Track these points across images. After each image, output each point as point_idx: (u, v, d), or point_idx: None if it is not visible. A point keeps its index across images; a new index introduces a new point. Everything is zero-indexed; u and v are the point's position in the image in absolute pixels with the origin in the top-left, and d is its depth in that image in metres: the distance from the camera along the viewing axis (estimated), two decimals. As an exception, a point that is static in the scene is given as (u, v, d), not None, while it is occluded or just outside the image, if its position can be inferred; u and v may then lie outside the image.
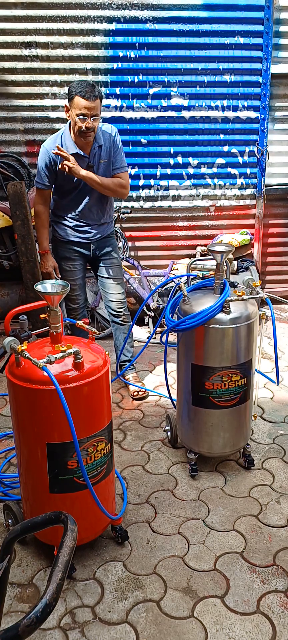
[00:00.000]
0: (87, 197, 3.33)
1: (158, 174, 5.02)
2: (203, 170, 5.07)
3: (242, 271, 4.95)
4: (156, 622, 1.94)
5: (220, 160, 5.07)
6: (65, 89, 4.70)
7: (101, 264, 3.55)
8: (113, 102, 4.80)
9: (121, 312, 3.61)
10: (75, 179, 3.23)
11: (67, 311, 3.65)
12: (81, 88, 3.00)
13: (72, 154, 3.17)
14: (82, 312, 3.63)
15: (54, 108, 4.75)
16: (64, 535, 1.03)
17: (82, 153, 3.20)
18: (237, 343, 2.56)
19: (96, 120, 3.08)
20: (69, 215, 3.38)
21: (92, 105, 3.01)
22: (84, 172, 3.16)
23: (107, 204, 3.45)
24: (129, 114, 4.85)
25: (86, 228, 3.41)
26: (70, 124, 3.19)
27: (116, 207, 4.69)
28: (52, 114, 4.76)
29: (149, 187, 5.04)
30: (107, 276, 3.56)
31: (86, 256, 3.52)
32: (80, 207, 3.34)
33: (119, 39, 4.68)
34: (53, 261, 3.50)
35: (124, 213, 4.77)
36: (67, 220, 3.39)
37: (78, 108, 3.02)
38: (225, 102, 4.93)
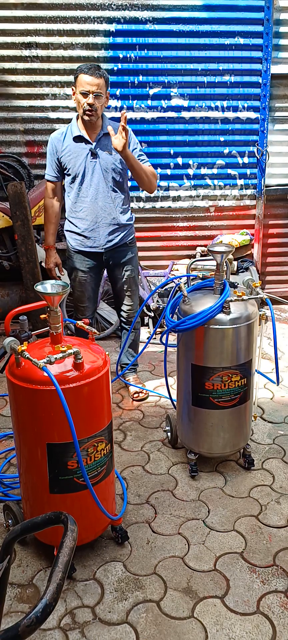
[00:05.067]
0: (92, 185, 3.22)
1: (158, 174, 5.03)
2: (204, 171, 5.08)
3: (242, 271, 4.96)
4: (156, 622, 1.94)
5: (220, 161, 5.08)
6: (66, 90, 4.72)
7: (115, 275, 3.47)
8: (113, 102, 4.80)
9: (131, 320, 3.58)
10: (81, 161, 3.18)
11: (75, 319, 3.62)
12: (85, 66, 3.04)
13: (75, 137, 3.17)
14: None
15: (54, 109, 4.75)
16: (64, 535, 1.03)
17: (85, 136, 3.18)
18: (237, 343, 2.56)
19: (99, 99, 3.05)
20: (79, 214, 3.28)
21: (94, 82, 3.00)
22: (128, 151, 3.08)
23: (117, 199, 3.30)
24: (128, 115, 4.85)
25: (95, 234, 3.29)
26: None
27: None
28: (52, 115, 4.76)
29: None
30: (120, 289, 3.50)
31: (99, 266, 3.43)
32: (88, 199, 3.24)
33: (119, 40, 4.68)
34: (56, 258, 3.48)
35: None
36: (76, 227, 3.31)
37: (81, 85, 3.03)
38: (225, 103, 4.93)
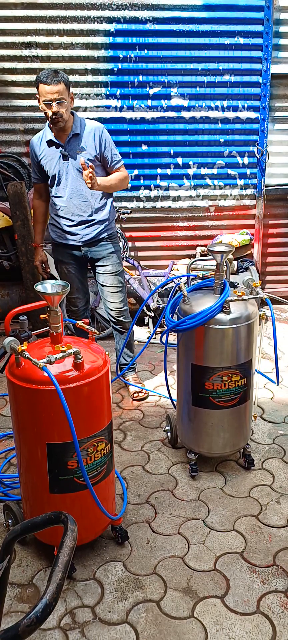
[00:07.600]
0: (68, 186, 3.28)
1: (158, 175, 5.03)
2: (204, 171, 5.07)
3: (242, 271, 4.96)
4: (156, 622, 1.94)
5: (220, 161, 5.08)
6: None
7: (96, 271, 3.51)
8: (113, 102, 4.80)
9: (120, 320, 3.57)
10: (55, 164, 3.26)
11: (69, 314, 3.64)
12: (43, 75, 3.05)
13: (47, 141, 3.25)
14: (83, 315, 3.61)
15: (54, 108, 4.75)
16: (64, 535, 1.03)
17: (55, 140, 3.23)
18: (237, 343, 2.56)
19: (62, 104, 3.07)
20: (58, 212, 3.35)
21: (54, 89, 3.01)
22: (99, 181, 3.13)
23: (94, 196, 3.32)
24: (129, 115, 4.86)
25: (73, 229, 3.36)
26: None
27: (116, 207, 4.68)
28: (52, 115, 4.76)
29: (149, 187, 5.04)
30: (102, 285, 3.52)
31: (81, 258, 3.47)
32: (64, 199, 3.32)
33: (119, 40, 4.68)
34: (42, 256, 3.57)
35: (123, 214, 4.77)
36: (57, 222, 3.39)
37: (43, 95, 3.06)
38: (225, 103, 4.93)
